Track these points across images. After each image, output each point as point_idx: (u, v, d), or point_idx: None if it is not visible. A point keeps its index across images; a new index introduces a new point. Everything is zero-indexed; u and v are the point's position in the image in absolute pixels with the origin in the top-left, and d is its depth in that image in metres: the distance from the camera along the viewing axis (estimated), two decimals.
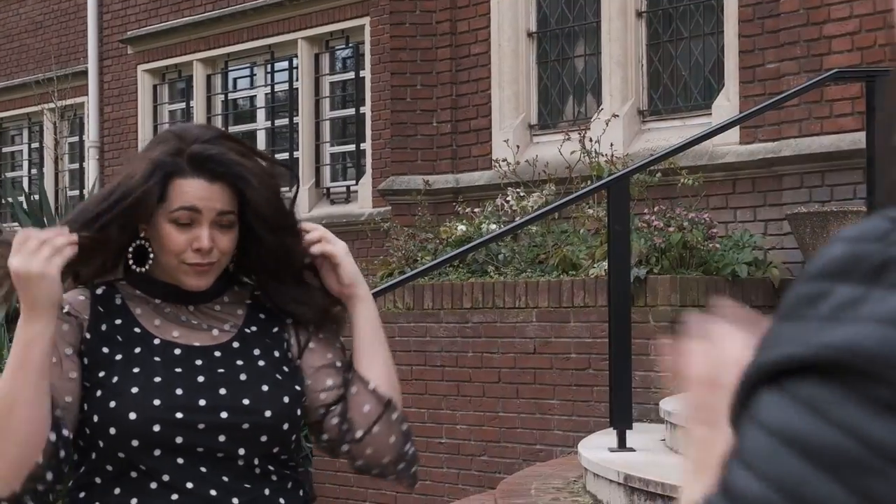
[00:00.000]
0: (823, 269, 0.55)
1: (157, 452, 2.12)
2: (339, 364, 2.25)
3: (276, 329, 2.26)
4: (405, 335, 6.94)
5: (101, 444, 2.13)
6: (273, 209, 2.23)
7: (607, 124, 7.72)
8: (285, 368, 2.23)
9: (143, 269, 2.21)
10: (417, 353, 6.91)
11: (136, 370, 2.15)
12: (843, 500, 0.54)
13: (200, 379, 2.16)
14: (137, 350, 2.17)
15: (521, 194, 7.45)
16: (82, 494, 2.17)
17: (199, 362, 2.19)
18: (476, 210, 7.49)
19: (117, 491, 2.14)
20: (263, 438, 2.16)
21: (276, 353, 2.23)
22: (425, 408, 6.79)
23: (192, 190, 2.17)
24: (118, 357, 2.16)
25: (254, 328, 2.25)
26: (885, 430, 0.54)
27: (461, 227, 7.27)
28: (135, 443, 2.12)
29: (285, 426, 2.18)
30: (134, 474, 2.13)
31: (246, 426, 2.15)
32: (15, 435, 2.06)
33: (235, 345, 2.22)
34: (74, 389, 2.14)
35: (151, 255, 2.21)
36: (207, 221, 2.17)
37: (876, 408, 0.54)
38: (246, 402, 2.16)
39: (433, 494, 6.67)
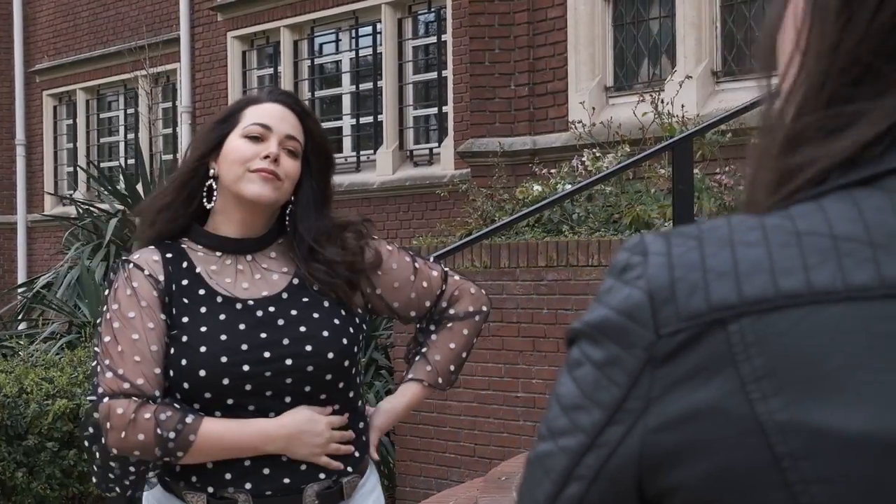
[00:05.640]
0: (610, 266, 0.77)
1: (229, 402, 2.32)
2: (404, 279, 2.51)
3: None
4: None
5: (178, 395, 2.33)
6: (325, 155, 2.45)
7: (681, 86, 7.84)
8: (342, 312, 2.41)
9: (212, 205, 2.41)
10: (494, 309, 7.06)
11: (203, 329, 2.33)
12: (565, 428, 0.76)
13: (263, 335, 2.33)
14: (203, 310, 2.35)
15: (597, 155, 7.60)
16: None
17: (259, 314, 2.36)
18: (552, 171, 7.67)
19: None
20: (328, 377, 2.35)
21: (330, 296, 2.42)
22: (502, 363, 7.01)
23: (266, 110, 2.40)
24: (185, 319, 2.34)
25: (302, 276, 2.42)
26: (560, 381, 0.77)
27: (537, 188, 7.45)
28: (207, 395, 2.31)
29: (346, 363, 2.37)
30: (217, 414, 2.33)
31: (310, 368, 2.33)
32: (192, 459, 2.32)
33: (290, 294, 2.40)
34: (157, 337, 2.31)
35: (216, 190, 2.40)
36: (277, 139, 2.38)
37: (566, 365, 0.77)
38: (308, 348, 2.34)
39: (509, 447, 6.90)
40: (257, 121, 2.39)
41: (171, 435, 2.26)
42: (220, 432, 2.29)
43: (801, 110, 0.77)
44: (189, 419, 2.27)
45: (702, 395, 0.71)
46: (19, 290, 11.21)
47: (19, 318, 10.12)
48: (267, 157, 2.36)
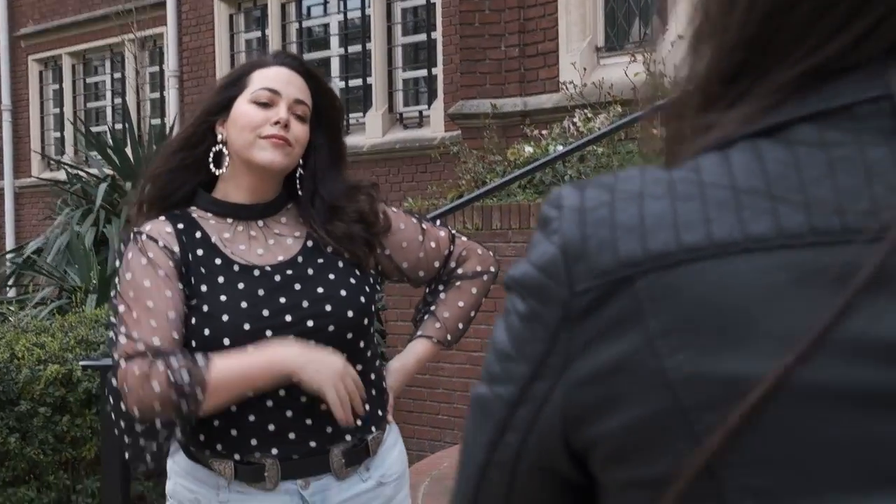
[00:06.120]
0: (537, 220, 0.78)
1: None
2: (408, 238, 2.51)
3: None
4: None
5: None
6: (336, 114, 2.46)
7: (672, 46, 7.80)
8: (357, 272, 2.41)
9: (222, 171, 2.39)
10: None
11: (223, 298, 2.31)
12: (499, 375, 0.78)
13: (283, 300, 2.32)
14: (221, 279, 2.33)
15: (589, 116, 7.58)
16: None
17: (277, 279, 2.35)
18: (544, 132, 7.64)
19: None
20: (350, 335, 2.35)
21: (344, 257, 2.42)
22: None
23: (273, 74, 2.39)
24: (204, 288, 2.32)
25: (316, 239, 2.42)
26: (496, 327, 0.78)
27: (528, 149, 7.43)
28: None
29: (365, 321, 2.38)
30: None
31: (332, 328, 2.33)
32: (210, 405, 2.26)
33: (305, 257, 2.39)
34: (174, 305, 2.28)
35: (227, 156, 2.38)
36: (286, 104, 2.37)
37: (503, 313, 0.78)
38: (328, 308, 2.34)
39: None
40: (265, 85, 2.37)
41: (185, 376, 2.21)
42: (233, 360, 2.24)
43: (712, 72, 0.78)
44: (200, 360, 2.23)
45: (615, 350, 0.73)
46: (8, 256, 11.17)
47: (9, 284, 10.08)
48: (277, 122, 2.35)
